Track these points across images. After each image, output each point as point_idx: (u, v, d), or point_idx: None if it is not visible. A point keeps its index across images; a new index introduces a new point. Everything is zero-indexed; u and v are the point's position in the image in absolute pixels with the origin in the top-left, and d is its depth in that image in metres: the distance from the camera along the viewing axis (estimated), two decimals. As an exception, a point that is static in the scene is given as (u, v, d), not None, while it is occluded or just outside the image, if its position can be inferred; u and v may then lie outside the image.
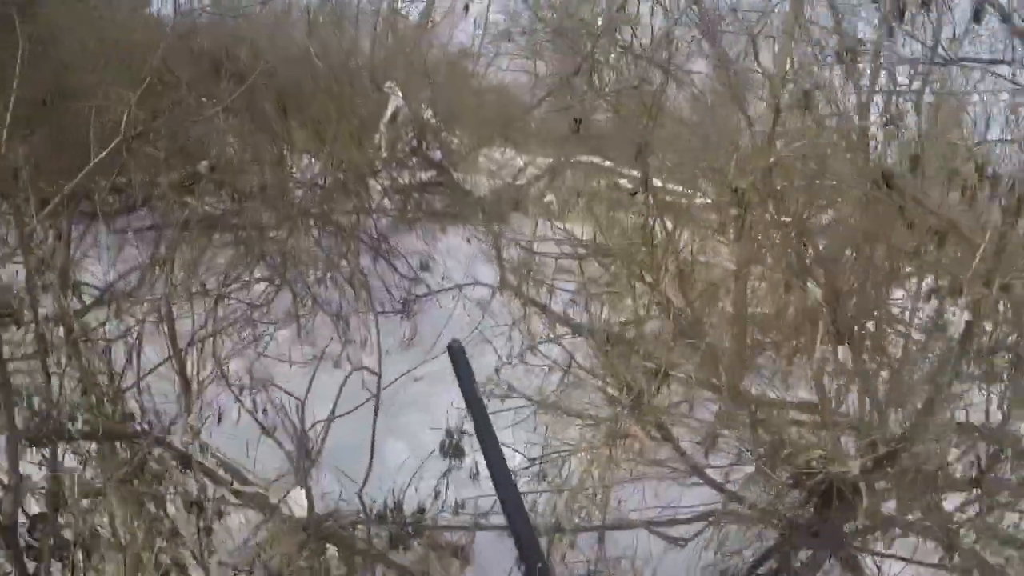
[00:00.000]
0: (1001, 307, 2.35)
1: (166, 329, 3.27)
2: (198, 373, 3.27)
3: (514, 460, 3.01)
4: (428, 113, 5.98)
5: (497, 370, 3.11)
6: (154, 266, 3.68)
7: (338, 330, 4.33)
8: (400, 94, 5.73)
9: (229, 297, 3.87)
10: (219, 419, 3.20)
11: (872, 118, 2.56)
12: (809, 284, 2.62)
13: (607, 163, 6.74)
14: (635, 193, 3.06)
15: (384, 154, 5.66)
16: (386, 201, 5.44)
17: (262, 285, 4.29)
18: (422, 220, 5.47)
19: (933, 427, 2.33)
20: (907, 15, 2.33)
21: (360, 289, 4.55)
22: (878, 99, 2.61)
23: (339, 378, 3.46)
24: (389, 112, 5.67)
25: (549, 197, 6.13)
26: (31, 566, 2.06)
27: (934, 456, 2.38)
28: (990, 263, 2.14)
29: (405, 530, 2.70)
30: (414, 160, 5.55)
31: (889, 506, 2.55)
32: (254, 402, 3.38)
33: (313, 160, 5.18)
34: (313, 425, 3.14)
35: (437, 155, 5.68)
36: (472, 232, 5.10)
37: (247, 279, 4.12)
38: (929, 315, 2.54)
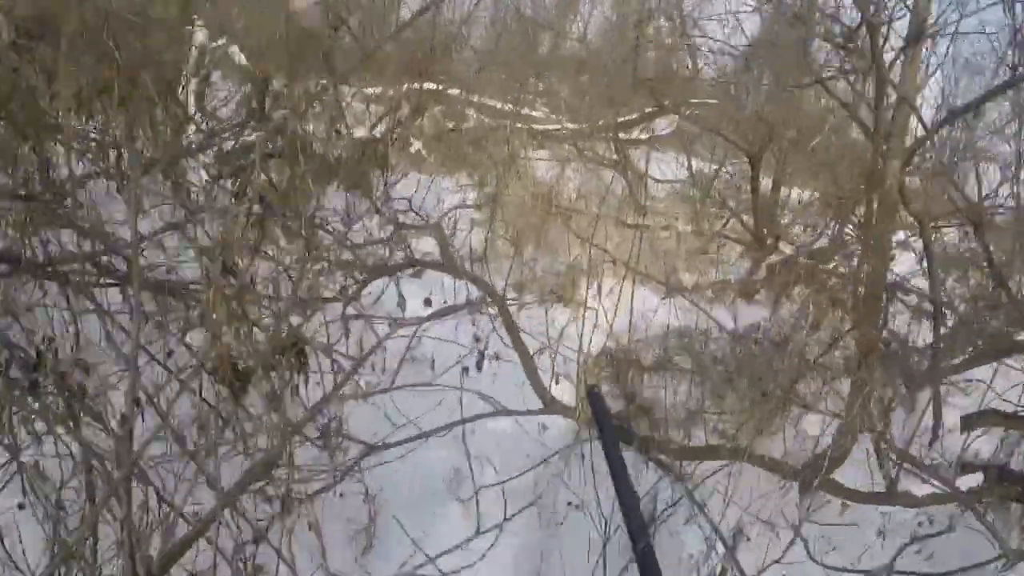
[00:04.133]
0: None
1: None
2: None
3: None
4: (239, 57, 4.40)
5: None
6: None
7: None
8: (202, 26, 4.07)
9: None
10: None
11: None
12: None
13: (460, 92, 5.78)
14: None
15: (195, 116, 4.01)
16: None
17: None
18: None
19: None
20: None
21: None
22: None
23: None
24: (194, 54, 4.01)
25: (416, 145, 5.00)
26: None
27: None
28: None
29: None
30: (250, 122, 4.01)
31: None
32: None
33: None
34: None
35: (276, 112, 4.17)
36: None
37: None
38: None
